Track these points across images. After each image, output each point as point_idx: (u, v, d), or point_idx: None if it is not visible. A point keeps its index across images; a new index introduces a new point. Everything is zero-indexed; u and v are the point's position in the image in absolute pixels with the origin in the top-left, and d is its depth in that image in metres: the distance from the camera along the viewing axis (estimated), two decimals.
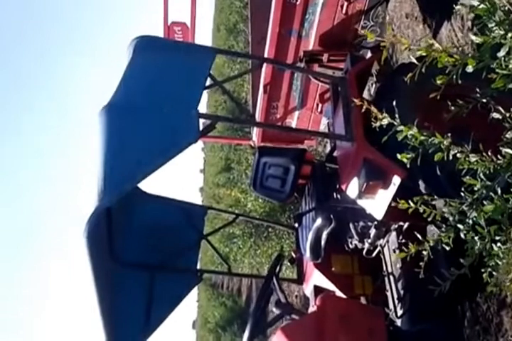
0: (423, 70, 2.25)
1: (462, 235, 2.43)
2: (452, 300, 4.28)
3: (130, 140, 3.64)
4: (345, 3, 5.83)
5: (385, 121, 2.60)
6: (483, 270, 2.53)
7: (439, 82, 2.22)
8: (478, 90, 2.37)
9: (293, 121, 7.42)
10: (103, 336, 4.09)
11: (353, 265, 4.92)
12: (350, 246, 4.68)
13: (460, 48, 2.28)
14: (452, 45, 5.12)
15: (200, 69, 4.03)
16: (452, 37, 5.36)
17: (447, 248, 2.53)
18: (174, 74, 4.01)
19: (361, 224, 4.44)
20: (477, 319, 4.40)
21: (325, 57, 6.31)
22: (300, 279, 5.44)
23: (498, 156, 2.36)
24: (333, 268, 4.90)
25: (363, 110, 2.76)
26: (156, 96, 3.87)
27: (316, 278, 4.94)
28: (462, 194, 2.44)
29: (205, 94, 22.09)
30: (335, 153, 4.82)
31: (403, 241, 4.18)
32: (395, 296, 4.46)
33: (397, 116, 2.59)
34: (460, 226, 2.42)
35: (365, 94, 4.92)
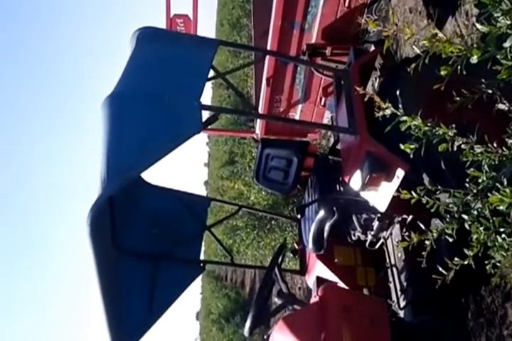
0: (427, 62, 2.24)
1: (467, 226, 2.43)
2: (456, 292, 4.28)
3: (133, 130, 3.65)
4: None
5: (388, 111, 2.60)
6: (487, 262, 2.53)
7: (443, 72, 2.21)
8: (483, 81, 2.36)
9: (296, 115, 7.42)
10: (105, 325, 4.12)
11: (356, 257, 4.93)
12: (353, 238, 4.70)
13: (465, 38, 2.26)
14: (457, 35, 5.09)
15: (202, 61, 4.03)
16: (457, 32, 5.33)
17: (450, 239, 2.54)
18: (177, 66, 4.01)
19: (364, 216, 4.44)
20: (481, 311, 4.39)
21: (328, 51, 6.30)
22: (303, 270, 5.46)
23: (503, 148, 2.36)
24: (335, 260, 4.92)
25: (366, 99, 2.75)
26: (159, 86, 3.87)
27: (318, 269, 4.96)
28: (467, 185, 2.45)
29: (209, 89, 22.18)
30: (338, 146, 4.82)
31: (407, 233, 4.18)
32: (398, 288, 4.48)
33: (400, 106, 2.59)
34: (465, 216, 2.42)
35: (369, 88, 4.90)
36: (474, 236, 2.41)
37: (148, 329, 4.71)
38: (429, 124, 2.46)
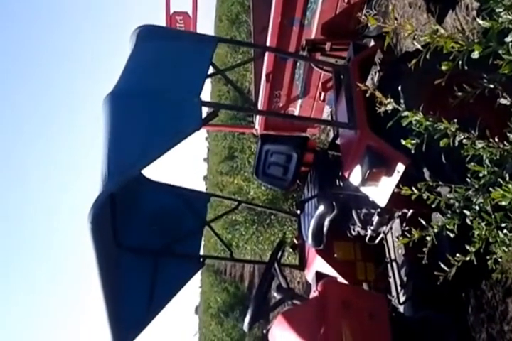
0: (427, 57, 2.24)
1: (468, 221, 2.43)
2: (456, 287, 4.29)
3: (133, 127, 3.67)
4: None
5: (389, 107, 2.59)
6: (488, 257, 2.53)
7: (444, 67, 2.21)
8: (485, 76, 2.36)
9: (296, 110, 7.43)
10: (105, 320, 4.14)
11: (355, 251, 4.94)
12: (353, 232, 4.71)
13: (466, 33, 2.25)
14: (457, 31, 5.08)
15: (202, 58, 4.04)
16: (457, 26, 5.32)
17: (452, 235, 2.54)
18: (176, 63, 4.02)
19: (364, 211, 4.45)
20: (482, 306, 4.39)
21: (327, 46, 6.30)
22: (302, 265, 5.47)
23: (505, 142, 2.36)
24: (335, 255, 4.92)
25: (367, 95, 2.75)
26: (159, 84, 3.88)
27: (318, 264, 4.97)
28: (468, 180, 2.45)
29: (208, 85, 22.16)
30: (338, 141, 4.82)
31: (407, 228, 4.19)
32: (398, 283, 4.48)
33: (402, 101, 2.59)
34: (466, 212, 2.42)
35: (368, 83, 4.89)
36: (476, 232, 2.41)
37: (148, 324, 4.73)
38: (430, 119, 2.46)
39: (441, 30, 2.21)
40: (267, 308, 4.65)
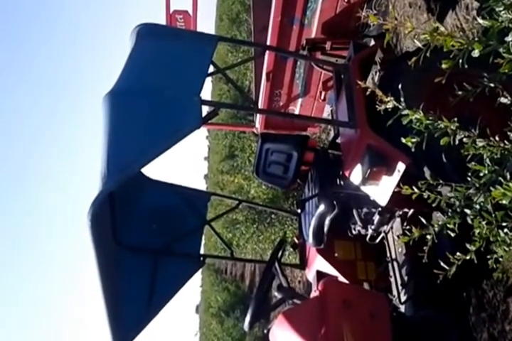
0: (428, 55, 2.23)
1: (469, 220, 2.42)
2: (457, 287, 4.28)
3: (133, 125, 3.66)
4: None
5: (390, 105, 2.58)
6: (489, 256, 2.53)
7: (444, 66, 2.20)
8: (485, 75, 2.35)
9: (296, 109, 7.42)
10: (105, 319, 4.13)
11: (356, 251, 4.94)
12: (354, 232, 4.70)
13: (466, 32, 2.25)
14: (458, 29, 5.07)
15: (202, 57, 4.03)
16: (457, 26, 5.32)
17: (452, 234, 2.53)
18: (176, 61, 4.01)
19: (365, 210, 4.44)
20: (483, 306, 4.39)
21: (328, 45, 6.30)
22: (303, 264, 5.46)
23: (506, 141, 2.35)
24: (335, 254, 4.92)
25: (368, 94, 2.74)
26: (159, 82, 3.87)
27: (318, 263, 4.96)
28: (469, 179, 2.44)
29: (209, 83, 22.17)
30: (338, 140, 4.81)
31: (408, 227, 4.18)
32: (399, 282, 4.48)
33: (402, 99, 2.58)
34: (467, 211, 2.41)
35: (369, 82, 4.89)
36: (476, 231, 2.41)
37: (147, 324, 4.73)
38: (430, 118, 2.45)
39: (442, 28, 2.20)
40: (268, 308, 4.65)
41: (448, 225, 2.50)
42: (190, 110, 3.57)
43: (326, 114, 7.31)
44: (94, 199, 3.21)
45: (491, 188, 2.30)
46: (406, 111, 2.49)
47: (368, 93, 2.75)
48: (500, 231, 2.36)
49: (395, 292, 4.50)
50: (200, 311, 24.74)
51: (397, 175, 3.69)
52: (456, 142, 2.40)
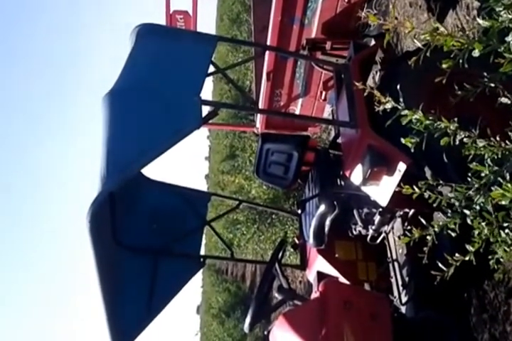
0: (428, 55, 2.22)
1: (469, 221, 2.41)
2: (458, 288, 4.27)
3: (133, 125, 3.65)
4: None
5: (388, 105, 2.57)
6: (490, 257, 2.52)
7: (444, 66, 2.19)
8: (485, 75, 2.34)
9: (296, 109, 7.42)
10: (105, 320, 4.11)
11: (357, 251, 4.92)
12: (354, 232, 4.69)
13: (466, 32, 2.24)
14: (458, 29, 5.07)
15: (202, 56, 4.03)
16: (458, 25, 5.31)
17: (453, 234, 2.52)
18: (176, 61, 4.01)
19: (365, 210, 4.43)
20: (484, 307, 4.37)
21: (328, 45, 6.30)
22: (303, 265, 5.45)
23: (507, 141, 2.34)
24: (336, 255, 4.91)
25: (366, 94, 2.73)
26: (159, 82, 3.87)
27: (319, 264, 4.95)
28: (469, 179, 2.43)
29: (210, 83, 22.19)
30: (339, 140, 4.80)
31: (408, 227, 4.17)
32: (400, 283, 4.46)
33: (401, 100, 2.57)
34: (467, 211, 2.40)
35: (369, 82, 4.88)
36: (476, 232, 2.40)
37: (147, 325, 4.71)
38: (430, 118, 2.44)
39: (442, 28, 2.19)
40: (268, 309, 4.64)
41: (449, 225, 2.49)
42: (190, 110, 3.56)
43: (327, 113, 7.31)
44: (94, 199, 3.20)
45: (492, 188, 2.29)
46: (405, 112, 2.48)
47: (367, 93, 2.74)
48: (501, 231, 2.35)
49: (395, 293, 4.48)
50: (200, 312, 24.77)
51: (397, 175, 3.68)
52: (457, 142, 2.39)
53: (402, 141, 2.54)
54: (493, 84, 2.31)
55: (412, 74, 3.69)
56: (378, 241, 4.60)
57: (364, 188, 3.98)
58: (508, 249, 2.39)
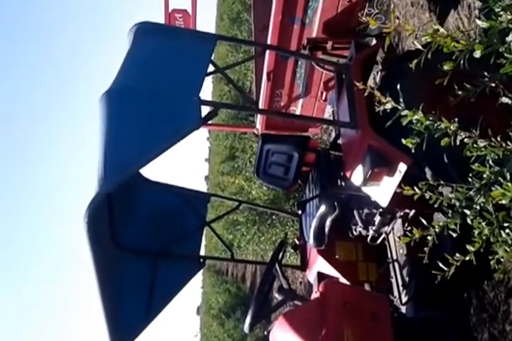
0: (429, 56, 2.22)
1: (469, 221, 2.41)
2: (458, 288, 4.27)
3: (131, 126, 3.61)
4: None
5: (388, 106, 2.57)
6: (490, 257, 2.51)
7: (446, 67, 2.18)
8: (486, 75, 2.34)
9: (297, 109, 7.39)
10: (104, 321, 4.09)
11: (357, 252, 4.92)
12: (355, 233, 4.69)
13: (467, 33, 2.24)
14: (458, 30, 5.06)
15: (201, 56, 4.00)
16: (459, 25, 5.31)
17: (454, 234, 2.52)
18: (175, 61, 3.97)
19: (366, 211, 4.43)
20: (484, 306, 4.38)
21: (329, 45, 6.26)
22: (303, 266, 5.45)
23: (508, 142, 2.34)
24: (336, 255, 4.90)
25: (366, 94, 2.73)
26: (157, 82, 3.83)
27: (319, 264, 4.95)
28: (470, 180, 2.42)
29: (209, 84, 22.19)
30: (339, 141, 4.79)
31: (409, 228, 4.17)
32: (400, 283, 4.46)
33: (401, 100, 2.57)
34: (467, 211, 2.40)
35: (371, 82, 4.88)
36: (476, 232, 2.39)
37: (146, 326, 4.69)
38: (431, 118, 2.44)
39: (442, 30, 2.19)
40: (269, 309, 4.64)
41: (449, 225, 2.49)
42: (189, 110, 3.53)
43: (327, 114, 7.28)
44: (91, 201, 3.16)
45: (492, 189, 2.29)
46: (406, 112, 2.48)
47: (368, 93, 2.74)
48: (501, 231, 2.34)
49: (396, 293, 4.48)
50: (200, 312, 24.81)
51: (398, 176, 3.67)
52: (457, 143, 2.39)
53: (403, 141, 2.54)
54: (493, 84, 2.30)
55: (413, 75, 3.69)
56: (379, 241, 4.60)
57: (364, 189, 3.97)
58: (508, 249, 2.39)
